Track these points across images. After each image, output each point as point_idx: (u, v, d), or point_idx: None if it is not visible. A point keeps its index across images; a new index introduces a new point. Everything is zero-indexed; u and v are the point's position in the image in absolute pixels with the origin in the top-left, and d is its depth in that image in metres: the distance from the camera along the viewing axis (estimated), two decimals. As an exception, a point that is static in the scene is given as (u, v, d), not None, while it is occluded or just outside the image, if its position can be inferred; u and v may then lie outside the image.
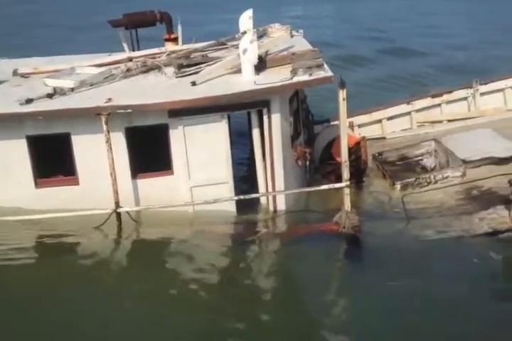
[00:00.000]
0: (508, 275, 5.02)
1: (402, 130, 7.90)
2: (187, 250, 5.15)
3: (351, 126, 7.52)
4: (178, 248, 5.24)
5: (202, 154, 5.34)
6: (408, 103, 7.97)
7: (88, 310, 4.33)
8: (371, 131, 7.87)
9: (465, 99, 7.98)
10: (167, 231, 5.34)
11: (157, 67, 5.94)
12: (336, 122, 6.55)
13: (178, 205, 5.31)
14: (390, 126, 7.92)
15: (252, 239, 5.27)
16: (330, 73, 5.24)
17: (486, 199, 5.73)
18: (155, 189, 5.38)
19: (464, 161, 6.32)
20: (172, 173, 5.44)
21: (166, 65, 5.91)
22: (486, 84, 7.96)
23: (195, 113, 5.23)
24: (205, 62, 5.89)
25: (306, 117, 7.56)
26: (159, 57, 6.31)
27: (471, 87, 7.95)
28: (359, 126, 7.85)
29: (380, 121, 7.92)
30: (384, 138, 7.75)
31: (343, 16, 30.26)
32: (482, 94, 7.94)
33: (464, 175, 6.22)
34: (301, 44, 6.47)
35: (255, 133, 5.59)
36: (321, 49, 6.10)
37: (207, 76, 5.59)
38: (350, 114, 7.82)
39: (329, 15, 31.83)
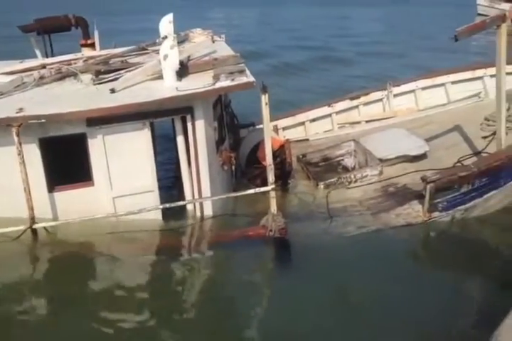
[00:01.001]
0: (422, 264, 5.42)
1: (325, 131, 8.19)
2: (110, 263, 5.00)
3: (276, 129, 7.69)
4: (100, 261, 5.07)
5: (124, 163, 5.20)
6: (329, 105, 8.29)
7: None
8: (295, 133, 8.10)
9: (380, 100, 8.42)
10: (88, 244, 5.14)
11: (73, 74, 5.71)
12: (260, 126, 6.69)
13: (100, 217, 5.14)
14: (313, 127, 8.19)
15: (178, 247, 5.21)
16: (252, 78, 5.31)
17: (402, 195, 6.09)
18: (75, 201, 5.17)
19: (381, 160, 6.70)
20: (92, 184, 5.25)
21: (82, 72, 5.69)
22: (398, 86, 8.43)
23: (115, 121, 5.09)
24: (124, 68, 5.74)
25: (231, 121, 7.62)
26: (75, 63, 6.06)
27: (385, 89, 8.40)
28: (283, 128, 8.05)
29: (303, 123, 8.17)
30: (307, 139, 8.00)
31: (264, 22, 30.89)
32: (395, 95, 8.40)
33: (381, 173, 6.57)
34: (223, 49, 6.51)
35: (179, 139, 5.55)
36: (243, 54, 6.19)
37: (127, 82, 5.46)
38: (274, 117, 8.03)
39: (251, 20, 32.36)
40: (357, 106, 8.36)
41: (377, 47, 21.86)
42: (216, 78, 5.36)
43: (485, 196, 5.86)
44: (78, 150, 5.16)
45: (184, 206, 5.58)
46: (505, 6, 33.30)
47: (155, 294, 4.70)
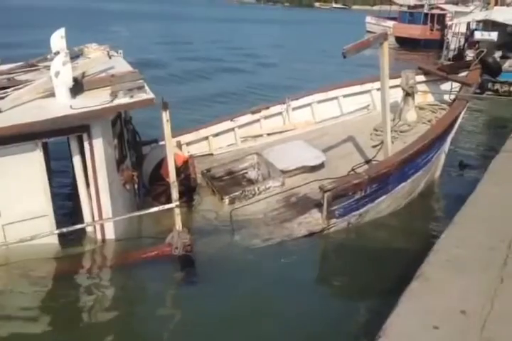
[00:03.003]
0: (325, 271, 5.71)
1: (228, 145, 8.32)
2: (1, 297, 4.62)
3: (179, 144, 7.67)
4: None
5: (14, 188, 4.88)
6: (231, 119, 8.45)
7: None
8: (200, 149, 8.14)
9: (280, 113, 8.76)
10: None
11: (-47, 94, 5.27)
12: (163, 142, 6.63)
13: None
14: (217, 142, 8.28)
15: (78, 273, 4.97)
16: (151, 95, 5.24)
17: (302, 204, 6.37)
18: None
19: (283, 171, 6.97)
20: None
21: (-36, 91, 5.28)
22: (296, 99, 8.86)
23: (3, 143, 4.77)
24: (12, 86, 5.43)
25: (133, 139, 7.48)
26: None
27: (284, 103, 8.77)
28: (187, 144, 8.05)
29: (206, 138, 8.24)
30: (212, 154, 8.09)
31: (164, 36, 30.83)
32: (294, 108, 8.80)
33: (283, 184, 6.83)
34: (120, 65, 6.38)
35: (76, 159, 5.32)
36: (141, 70, 6.12)
37: (15, 101, 5.14)
38: (177, 133, 8.02)
39: (151, 35, 32.12)
40: (258, 120, 8.62)
41: (274, 62, 22.86)
42: (114, 95, 5.23)
43: (376, 201, 6.34)
44: None
45: (84, 229, 5.36)
46: (390, 23, 36.73)
47: (52, 328, 4.40)
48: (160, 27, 38.10)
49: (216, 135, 8.30)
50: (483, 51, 8.66)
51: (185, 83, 16.31)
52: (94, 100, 5.13)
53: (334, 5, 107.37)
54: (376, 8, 43.29)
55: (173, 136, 7.98)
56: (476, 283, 3.96)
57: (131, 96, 5.23)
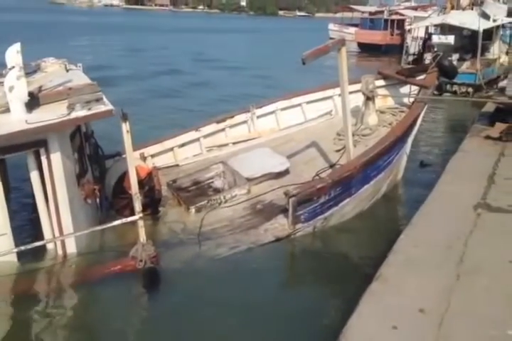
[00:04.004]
0: (292, 276, 5.73)
1: (194, 156, 8.30)
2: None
3: (142, 156, 7.60)
4: None
5: None
6: (196, 130, 8.44)
7: None
8: (165, 160, 8.09)
9: (245, 122, 8.81)
10: None
11: None
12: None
13: None
14: (183, 153, 8.25)
15: (37, 292, 4.83)
16: (110, 106, 5.18)
17: (268, 211, 6.41)
18: None
19: (248, 179, 6.99)
20: None
21: None
22: (260, 107, 8.93)
23: None
24: (-36, 103, 5.30)
25: (96, 152, 7.38)
26: None
27: (249, 111, 8.83)
28: (152, 156, 7.99)
29: (172, 149, 8.20)
30: (178, 165, 8.05)
31: (128, 49, 30.69)
32: (258, 116, 8.87)
33: (249, 191, 6.86)
34: (79, 78, 6.29)
35: (34, 175, 5.20)
36: (104, 81, 6.05)
37: (-32, 118, 5.03)
38: (142, 145, 7.97)
39: (116, 46, 31.93)
40: (223, 129, 8.64)
41: (239, 70, 23.08)
42: (71, 108, 5.13)
43: (340, 204, 6.43)
44: None
45: (45, 246, 5.23)
46: (352, 30, 37.54)
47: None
48: (125, 38, 37.88)
49: (181, 146, 8.27)
50: (439, 54, 8.96)
51: (151, 95, 16.25)
52: (51, 114, 5.04)
53: (298, 13, 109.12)
54: (339, 15, 44.14)
55: (138, 148, 7.97)
56: (433, 281, 4.05)
57: (89, 109, 5.16)
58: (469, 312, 3.66)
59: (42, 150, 5.07)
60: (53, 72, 6.75)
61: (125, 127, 4.90)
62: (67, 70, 6.78)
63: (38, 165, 5.16)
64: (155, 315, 4.68)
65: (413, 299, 3.81)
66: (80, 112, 5.10)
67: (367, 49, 33.22)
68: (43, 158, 5.08)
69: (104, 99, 5.31)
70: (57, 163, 5.11)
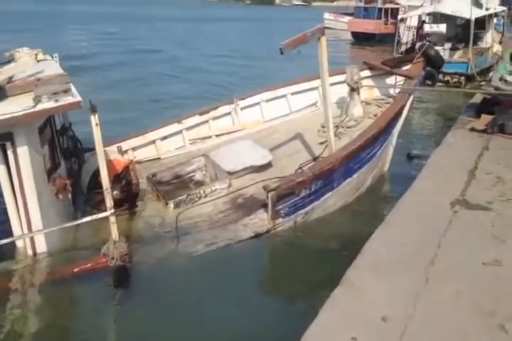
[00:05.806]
0: (270, 273, 5.60)
1: (176, 149, 8.14)
2: None
3: (120, 150, 7.42)
4: None
5: None
6: (179, 122, 8.26)
7: None
8: (147, 153, 7.92)
9: (229, 114, 8.63)
10: None
11: None
12: (106, 148, 6.40)
13: None
14: (165, 145, 8.08)
15: (4, 291, 4.66)
16: (78, 98, 4.95)
17: (249, 205, 6.26)
18: None
19: (229, 173, 6.83)
20: None
21: None
22: (244, 99, 8.74)
23: None
24: None
25: (74, 146, 7.21)
26: None
27: (232, 103, 8.64)
28: (133, 148, 7.82)
29: (154, 142, 8.03)
30: (159, 158, 7.89)
31: (124, 38, 30.32)
32: (242, 108, 8.69)
33: (230, 185, 6.70)
34: (51, 68, 6.05)
35: (0, 170, 5.05)
36: (78, 71, 5.84)
37: None
38: (123, 138, 7.81)
39: (113, 36, 31.54)
40: (207, 121, 8.46)
41: (228, 60, 22.83)
42: (37, 100, 4.92)
43: (322, 198, 6.29)
44: None
45: (14, 243, 5.08)
46: (347, 19, 37.10)
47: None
48: (122, 28, 37.39)
49: (164, 138, 8.10)
50: (425, 44, 8.77)
51: (146, 84, 16.05)
52: (16, 106, 4.82)
53: (295, 2, 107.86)
54: (336, 4, 43.58)
55: (119, 141, 7.79)
56: (400, 285, 3.79)
57: (56, 100, 4.94)
58: (433, 321, 3.42)
59: (8, 144, 4.89)
60: (24, 62, 6.53)
61: (94, 120, 4.72)
62: (38, 61, 6.56)
63: (5, 159, 4.98)
64: (125, 314, 4.57)
65: (377, 306, 3.55)
66: (46, 104, 4.88)
67: (361, 38, 32.84)
68: (10, 152, 4.90)
69: (73, 90, 5.07)
70: (25, 157, 4.93)
